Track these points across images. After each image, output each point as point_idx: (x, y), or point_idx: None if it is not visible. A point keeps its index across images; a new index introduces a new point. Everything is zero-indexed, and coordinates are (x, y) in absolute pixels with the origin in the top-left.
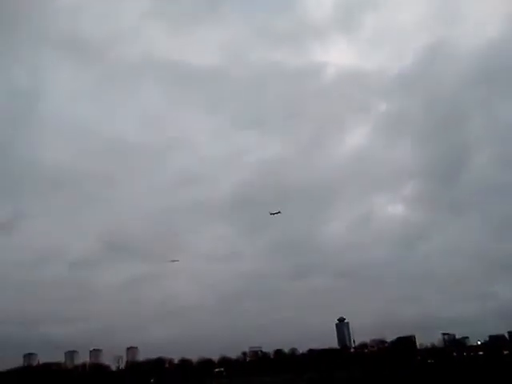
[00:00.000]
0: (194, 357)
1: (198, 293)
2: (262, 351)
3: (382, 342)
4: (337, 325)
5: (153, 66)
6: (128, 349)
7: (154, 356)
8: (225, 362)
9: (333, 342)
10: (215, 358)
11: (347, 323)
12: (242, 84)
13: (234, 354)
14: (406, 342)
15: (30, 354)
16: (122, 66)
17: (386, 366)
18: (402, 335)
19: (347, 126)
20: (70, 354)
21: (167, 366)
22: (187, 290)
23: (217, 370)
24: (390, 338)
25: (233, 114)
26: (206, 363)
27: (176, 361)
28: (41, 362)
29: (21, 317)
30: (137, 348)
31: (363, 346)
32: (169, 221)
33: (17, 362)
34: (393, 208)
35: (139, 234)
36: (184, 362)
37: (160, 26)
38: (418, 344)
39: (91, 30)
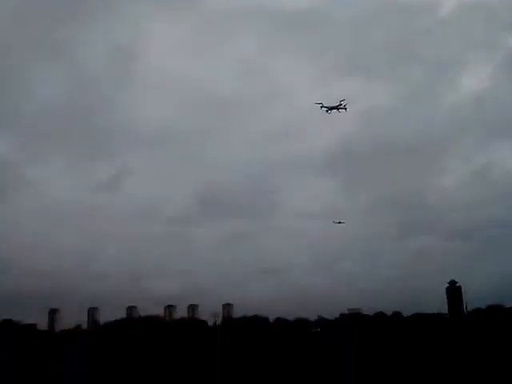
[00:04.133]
0: (289, 316)
1: (295, 251)
2: (361, 313)
3: (500, 308)
4: (447, 289)
5: (250, 14)
6: (224, 305)
7: (249, 313)
8: (322, 322)
9: (442, 308)
10: (312, 318)
11: (459, 287)
12: (344, 26)
13: (331, 315)
14: None
15: (132, 307)
16: (218, 16)
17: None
18: None
19: (465, 66)
20: (169, 308)
21: (262, 323)
22: (284, 249)
23: (313, 330)
24: (508, 304)
25: (335, 59)
26: (302, 323)
27: (271, 319)
28: (142, 315)
29: (124, 271)
30: (232, 305)
31: (478, 312)
32: (266, 176)
33: (120, 313)
34: None
35: (236, 189)
36: (279, 321)
37: None
38: None
39: None
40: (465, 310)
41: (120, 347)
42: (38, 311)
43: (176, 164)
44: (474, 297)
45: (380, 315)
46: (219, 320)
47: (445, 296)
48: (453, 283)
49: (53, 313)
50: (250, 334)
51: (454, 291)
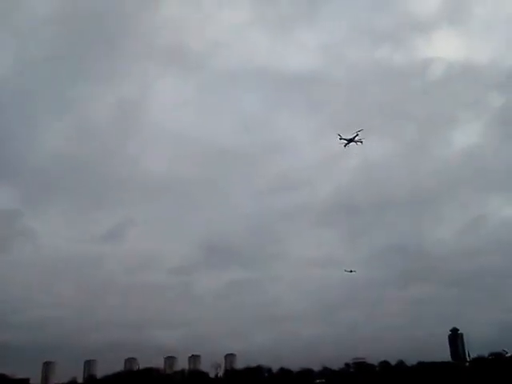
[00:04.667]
0: (293, 366)
1: (298, 300)
2: (366, 363)
3: (502, 356)
4: (449, 336)
5: (253, 72)
6: (226, 356)
7: (252, 364)
8: (326, 373)
9: (445, 355)
10: (316, 368)
11: (461, 334)
12: (342, 85)
13: (336, 365)
14: None
15: (131, 359)
16: (222, 74)
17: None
18: None
19: (456, 124)
20: (170, 359)
21: (266, 374)
22: (287, 297)
23: (318, 381)
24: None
25: (332, 116)
26: (307, 374)
27: (275, 370)
28: (141, 367)
29: (123, 321)
30: (235, 355)
31: (480, 359)
32: (268, 226)
33: (118, 366)
34: (509, 210)
35: (238, 239)
36: (283, 372)
37: (259, 31)
38: None
39: (192, 40)
40: (467, 357)
41: None
42: (32, 364)
43: (179, 215)
44: (475, 344)
45: (384, 365)
46: (221, 371)
47: (447, 342)
48: (455, 330)
49: (47, 366)
50: None
51: (455, 338)
